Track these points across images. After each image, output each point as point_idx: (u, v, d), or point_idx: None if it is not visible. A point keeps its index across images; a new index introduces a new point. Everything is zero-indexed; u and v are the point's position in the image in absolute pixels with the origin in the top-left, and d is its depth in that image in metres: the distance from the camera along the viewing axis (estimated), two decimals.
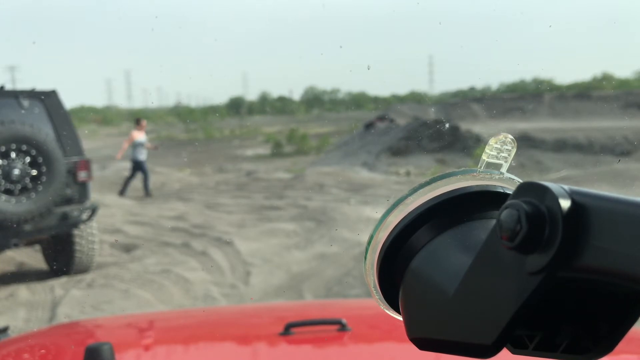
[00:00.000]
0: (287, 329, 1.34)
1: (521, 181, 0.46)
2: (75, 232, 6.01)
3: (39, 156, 5.50)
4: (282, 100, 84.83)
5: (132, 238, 7.69)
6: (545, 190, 0.35)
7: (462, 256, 0.43)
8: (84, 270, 6.16)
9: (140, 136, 11.42)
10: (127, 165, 17.47)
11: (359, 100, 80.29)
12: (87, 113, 62.82)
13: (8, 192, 5.39)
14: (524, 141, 17.46)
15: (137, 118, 12.05)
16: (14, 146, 5.40)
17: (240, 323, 1.68)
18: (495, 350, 0.39)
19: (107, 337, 1.31)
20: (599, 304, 0.40)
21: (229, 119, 55.69)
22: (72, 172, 5.86)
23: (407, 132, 20.33)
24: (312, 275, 5.96)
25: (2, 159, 5.36)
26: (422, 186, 0.48)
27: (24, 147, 5.43)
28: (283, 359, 1.34)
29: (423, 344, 0.44)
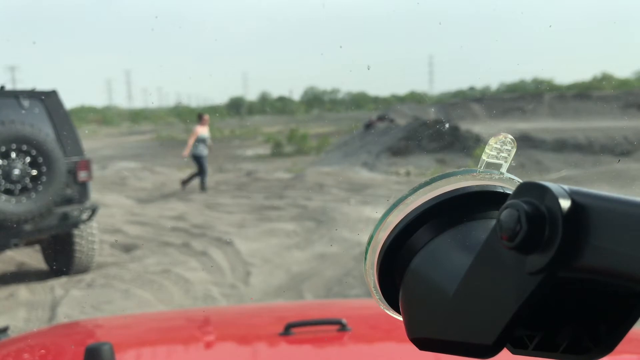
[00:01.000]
0: (287, 329, 1.34)
1: (521, 181, 0.46)
2: (75, 232, 6.01)
3: (39, 156, 5.50)
4: (282, 100, 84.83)
5: (132, 238, 7.68)
6: (545, 190, 0.35)
7: (462, 256, 0.43)
8: (84, 270, 6.16)
9: (203, 131, 11.33)
10: (128, 166, 17.48)
11: (359, 100, 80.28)
12: (87, 113, 62.84)
13: (8, 192, 5.39)
14: (524, 141, 17.45)
15: (199, 113, 11.90)
16: (14, 146, 5.39)
17: (240, 323, 1.68)
18: (496, 351, 0.39)
19: (107, 337, 1.31)
20: (599, 304, 0.40)
21: (229, 119, 55.68)
22: (72, 172, 5.86)
23: (407, 132, 20.32)
24: (312, 275, 5.96)
25: (2, 159, 5.36)
26: (422, 186, 0.48)
27: (24, 147, 5.43)
28: (283, 359, 1.34)
29: (423, 344, 0.44)
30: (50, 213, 5.65)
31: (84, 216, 5.95)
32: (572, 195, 0.34)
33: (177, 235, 7.76)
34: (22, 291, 5.62)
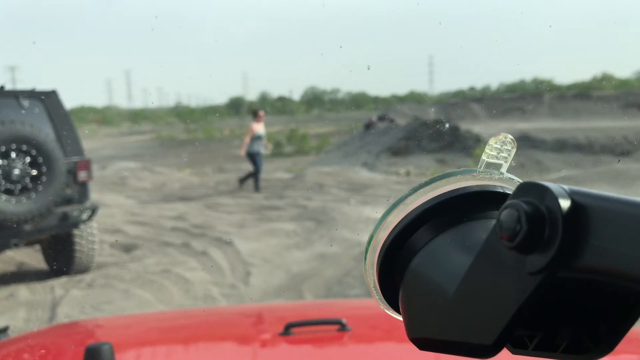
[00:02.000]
0: (287, 329, 1.34)
1: (521, 181, 0.46)
2: (75, 232, 6.01)
3: (39, 156, 5.50)
4: (282, 100, 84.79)
5: (132, 238, 7.68)
6: (545, 190, 0.35)
7: (462, 256, 0.43)
8: (84, 270, 6.16)
9: (259, 128, 11.03)
10: (128, 166, 17.47)
11: (359, 100, 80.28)
12: (87, 113, 62.81)
13: (8, 192, 5.39)
14: (524, 141, 17.45)
15: (253, 110, 11.55)
16: (14, 146, 5.39)
17: (240, 323, 1.68)
18: (496, 350, 0.39)
19: (107, 337, 1.31)
20: (599, 304, 0.40)
21: (229, 119, 55.66)
22: (72, 172, 5.86)
23: (407, 132, 20.31)
24: (312, 275, 5.96)
25: (2, 159, 5.36)
26: (422, 186, 0.48)
27: (24, 147, 5.43)
28: (283, 359, 1.34)
29: (423, 344, 0.44)
30: (50, 213, 5.65)
31: (84, 216, 5.95)
32: (572, 195, 0.34)
33: (177, 235, 7.76)
34: (22, 291, 5.62)
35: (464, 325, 0.40)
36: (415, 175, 14.54)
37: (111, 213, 9.33)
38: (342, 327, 1.36)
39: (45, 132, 5.62)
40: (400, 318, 0.48)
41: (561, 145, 17.70)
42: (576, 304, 0.40)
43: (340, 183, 12.26)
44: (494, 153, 0.49)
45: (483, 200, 0.47)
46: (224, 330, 1.58)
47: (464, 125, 20.87)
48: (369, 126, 26.91)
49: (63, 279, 5.95)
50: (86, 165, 6.03)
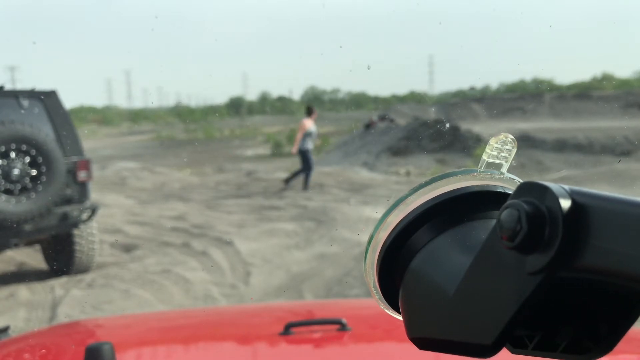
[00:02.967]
0: (287, 329, 1.34)
1: (521, 181, 0.46)
2: (75, 232, 6.01)
3: (39, 156, 5.50)
4: (282, 100, 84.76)
5: (132, 238, 7.69)
6: (545, 190, 0.35)
7: (462, 256, 0.43)
8: (84, 270, 6.16)
9: (311, 125, 10.80)
10: (128, 166, 17.47)
11: (359, 100, 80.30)
12: (87, 113, 62.82)
13: (8, 192, 5.39)
14: (524, 141, 17.44)
15: (308, 106, 11.32)
16: (14, 146, 5.39)
17: (240, 323, 1.68)
18: (495, 350, 0.39)
19: (108, 337, 1.31)
20: (599, 304, 0.40)
21: (229, 119, 55.67)
22: (72, 172, 5.86)
23: (407, 132, 20.31)
24: (312, 275, 5.96)
25: (2, 159, 5.36)
26: (422, 186, 0.48)
27: (24, 147, 5.43)
28: (283, 359, 1.34)
29: (423, 343, 0.44)
30: (50, 213, 5.65)
31: (84, 216, 5.95)
32: (572, 195, 0.34)
33: (177, 235, 7.76)
34: (23, 291, 5.62)
35: (463, 325, 0.40)
36: (415, 175, 14.54)
37: (111, 213, 9.33)
38: (342, 327, 1.36)
39: (45, 132, 5.62)
40: (400, 318, 0.48)
41: (561, 145, 17.70)
42: (576, 304, 0.40)
43: (340, 183, 12.26)
44: (495, 153, 0.49)
45: (483, 200, 0.47)
46: (224, 330, 1.58)
47: (464, 125, 20.88)
48: (369, 126, 26.89)
49: (63, 279, 5.95)
50: (86, 165, 6.03)
